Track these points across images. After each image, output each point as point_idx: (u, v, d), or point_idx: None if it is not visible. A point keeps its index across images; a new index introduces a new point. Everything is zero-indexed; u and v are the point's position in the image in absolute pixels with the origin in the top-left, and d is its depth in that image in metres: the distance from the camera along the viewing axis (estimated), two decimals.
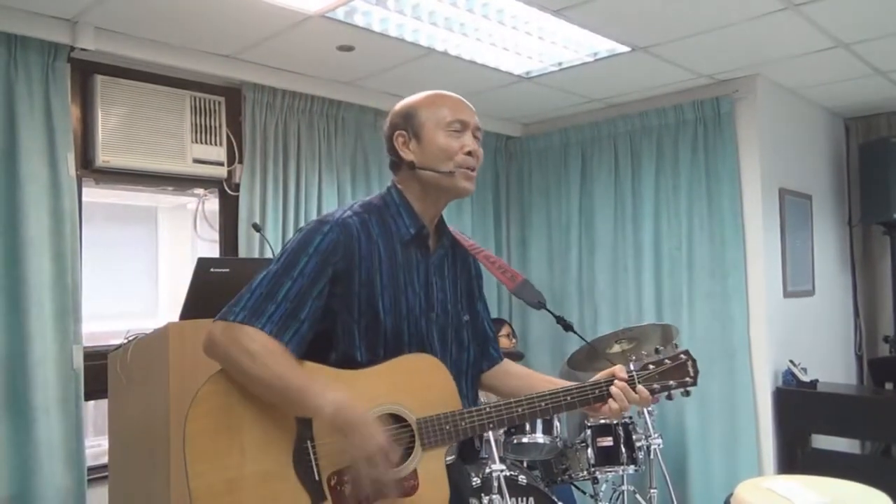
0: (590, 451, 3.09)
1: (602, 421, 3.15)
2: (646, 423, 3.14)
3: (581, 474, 3.13)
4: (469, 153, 1.54)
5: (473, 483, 2.84)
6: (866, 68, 3.52)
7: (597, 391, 1.49)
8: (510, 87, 3.75)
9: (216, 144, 3.25)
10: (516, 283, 1.67)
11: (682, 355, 1.56)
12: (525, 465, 3.23)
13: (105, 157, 2.90)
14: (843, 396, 3.59)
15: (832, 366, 4.14)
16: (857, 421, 3.46)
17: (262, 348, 1.34)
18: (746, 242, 3.64)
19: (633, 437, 3.13)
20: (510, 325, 4.00)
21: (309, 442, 1.37)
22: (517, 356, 3.30)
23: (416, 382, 1.44)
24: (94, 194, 3.25)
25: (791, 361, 3.64)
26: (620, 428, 3.13)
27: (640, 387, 1.51)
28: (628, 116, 4.03)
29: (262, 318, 1.36)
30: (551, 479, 3.25)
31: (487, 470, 2.74)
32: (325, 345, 1.45)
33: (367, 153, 3.83)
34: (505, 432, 3.05)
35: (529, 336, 4.43)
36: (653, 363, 1.54)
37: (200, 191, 3.46)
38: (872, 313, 4.46)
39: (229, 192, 3.37)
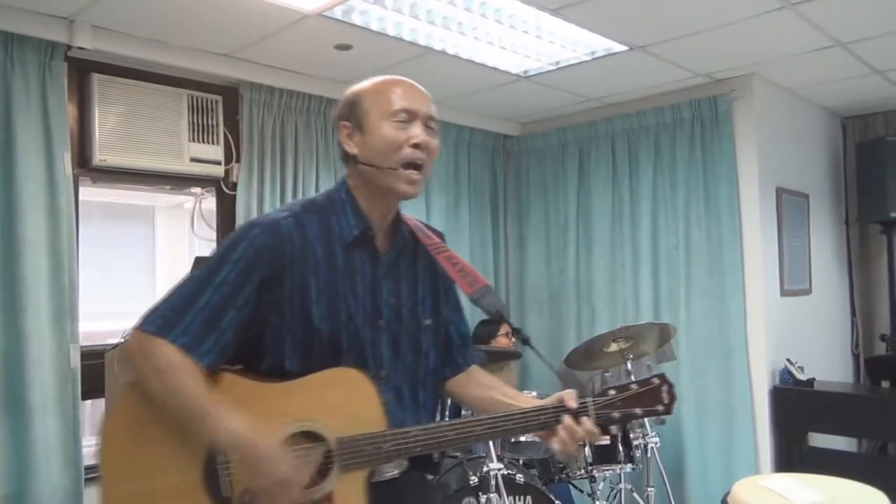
0: (587, 449, 3.09)
1: None
2: (643, 421, 3.14)
3: (578, 473, 3.13)
4: (416, 146, 1.38)
5: (471, 482, 2.85)
6: (864, 67, 3.53)
7: (541, 418, 1.36)
8: (508, 86, 3.75)
9: (213, 143, 3.24)
10: (475, 289, 1.50)
11: (654, 379, 1.40)
12: (522, 463, 3.23)
13: (102, 155, 2.89)
14: (840, 395, 3.60)
15: (829, 364, 4.15)
16: (853, 419, 3.46)
17: (166, 365, 1.26)
18: (744, 241, 3.64)
19: (631, 435, 3.13)
20: (510, 325, 3.98)
21: (219, 458, 1.29)
22: (514, 356, 3.30)
23: (340, 398, 1.33)
24: (91, 193, 3.25)
25: (788, 360, 3.64)
26: None
27: (584, 419, 1.35)
28: (626, 115, 4.03)
29: (175, 330, 1.28)
30: (549, 478, 3.25)
31: (485, 468, 2.75)
32: (258, 352, 1.37)
33: None
34: None
35: (527, 333, 4.42)
36: (615, 388, 1.39)
37: (198, 190, 3.46)
38: (869, 312, 4.47)
39: (226, 190, 3.36)
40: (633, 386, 1.39)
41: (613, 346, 3.15)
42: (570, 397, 1.37)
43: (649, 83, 3.76)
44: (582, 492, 3.40)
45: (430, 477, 1.55)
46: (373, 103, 1.40)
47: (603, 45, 3.17)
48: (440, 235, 1.58)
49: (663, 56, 3.32)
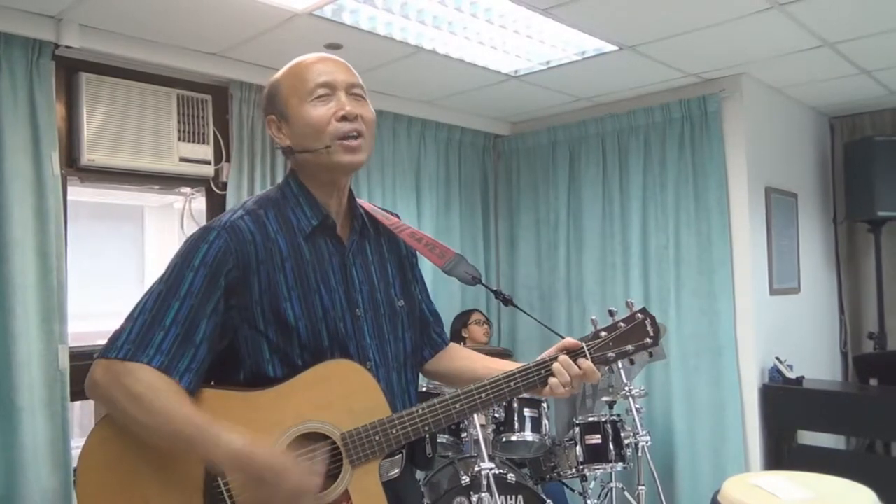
0: (578, 448, 3.10)
1: (590, 419, 3.16)
2: (634, 420, 3.15)
3: (570, 472, 3.14)
4: (344, 117, 1.30)
5: (462, 482, 2.85)
6: (851, 68, 3.55)
7: (542, 371, 1.35)
8: (498, 85, 3.76)
9: (203, 143, 3.23)
10: (447, 260, 1.47)
11: (637, 315, 1.41)
12: (514, 463, 3.24)
13: (90, 155, 2.87)
14: (829, 393, 3.62)
15: (818, 362, 4.18)
16: (842, 417, 3.49)
17: (146, 390, 1.17)
18: (733, 240, 3.66)
19: (622, 434, 3.15)
20: (481, 313, 3.96)
21: (220, 479, 1.22)
22: (505, 354, 3.30)
23: (336, 393, 1.27)
24: (80, 193, 3.22)
25: (777, 358, 3.66)
26: (609, 426, 3.15)
27: (581, 360, 1.35)
28: (616, 115, 4.04)
29: (148, 350, 1.19)
30: (540, 477, 3.27)
31: (476, 468, 2.75)
32: (233, 363, 1.29)
33: None
34: (494, 430, 3.06)
35: (518, 334, 4.44)
36: (605, 329, 1.40)
37: (187, 189, 3.44)
38: (857, 310, 4.50)
39: (216, 190, 3.35)
40: (621, 324, 1.40)
41: None
42: (572, 342, 1.39)
43: (639, 83, 3.77)
44: (573, 491, 3.42)
45: (418, 475, 1.53)
46: (290, 89, 1.35)
47: (593, 44, 3.18)
48: (396, 216, 1.54)
49: (653, 56, 3.34)
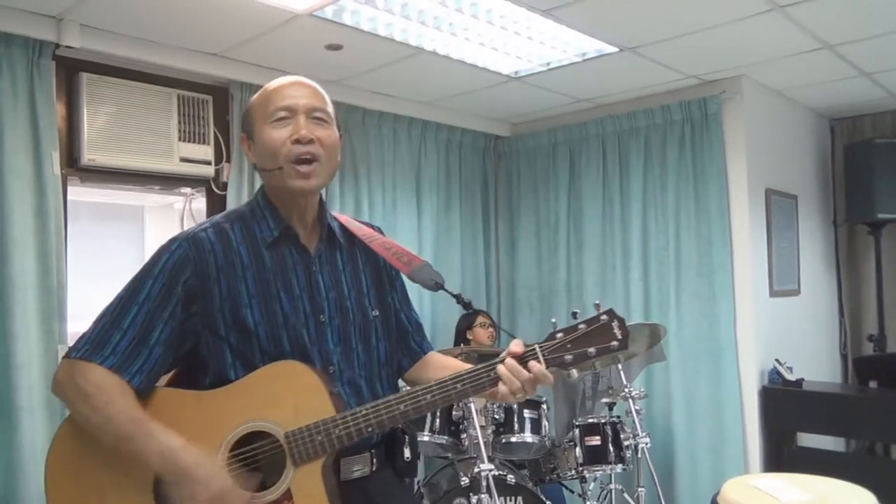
0: (578, 449, 3.10)
1: (590, 420, 3.16)
2: (633, 422, 3.15)
3: (569, 473, 3.14)
4: (297, 140, 1.34)
5: (462, 483, 2.85)
6: (851, 70, 3.55)
7: (492, 373, 1.30)
8: (499, 86, 3.76)
9: (203, 143, 3.23)
10: (412, 267, 1.47)
11: (603, 316, 1.31)
12: (514, 464, 3.23)
13: (91, 155, 2.87)
14: (829, 395, 3.62)
15: (817, 364, 4.18)
16: (842, 419, 3.48)
17: (95, 388, 1.25)
18: (733, 242, 3.66)
19: (621, 435, 3.14)
20: (487, 315, 3.95)
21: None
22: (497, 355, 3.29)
23: (281, 392, 1.30)
24: (80, 193, 3.22)
25: (777, 360, 3.66)
26: (608, 427, 3.14)
27: (532, 363, 1.29)
28: (616, 116, 4.04)
29: (104, 351, 1.27)
30: (540, 478, 3.26)
31: (476, 469, 2.75)
32: (200, 368, 1.35)
33: (356, 152, 3.82)
34: (493, 431, 3.05)
35: (518, 333, 4.40)
36: (562, 331, 1.32)
37: (188, 190, 3.44)
38: (857, 312, 4.50)
39: (217, 191, 3.35)
40: (582, 326, 1.31)
41: None
42: (516, 344, 1.33)
43: (640, 84, 3.77)
44: (573, 492, 3.41)
45: (407, 480, 1.50)
46: (257, 111, 1.41)
47: (594, 46, 3.18)
48: (377, 229, 1.57)
49: (653, 57, 3.34)
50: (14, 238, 2.63)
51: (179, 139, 3.14)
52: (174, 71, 3.15)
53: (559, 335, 1.32)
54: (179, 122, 3.14)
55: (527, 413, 3.08)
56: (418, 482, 3.31)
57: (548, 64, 3.43)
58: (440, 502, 2.90)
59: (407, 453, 1.45)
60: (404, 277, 1.55)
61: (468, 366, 1.47)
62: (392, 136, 4.02)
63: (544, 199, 4.40)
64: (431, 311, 4.03)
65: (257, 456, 1.29)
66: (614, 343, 1.29)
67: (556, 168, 4.34)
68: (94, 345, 1.28)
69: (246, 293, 1.34)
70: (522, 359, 1.31)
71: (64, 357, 1.31)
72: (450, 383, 1.31)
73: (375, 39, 3.01)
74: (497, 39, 3.10)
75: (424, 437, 2.97)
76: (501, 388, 1.30)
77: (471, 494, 2.77)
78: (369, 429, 1.29)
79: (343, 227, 1.51)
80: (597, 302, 1.37)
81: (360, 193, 3.82)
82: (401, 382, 1.59)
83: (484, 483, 2.69)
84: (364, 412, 1.29)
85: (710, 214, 3.69)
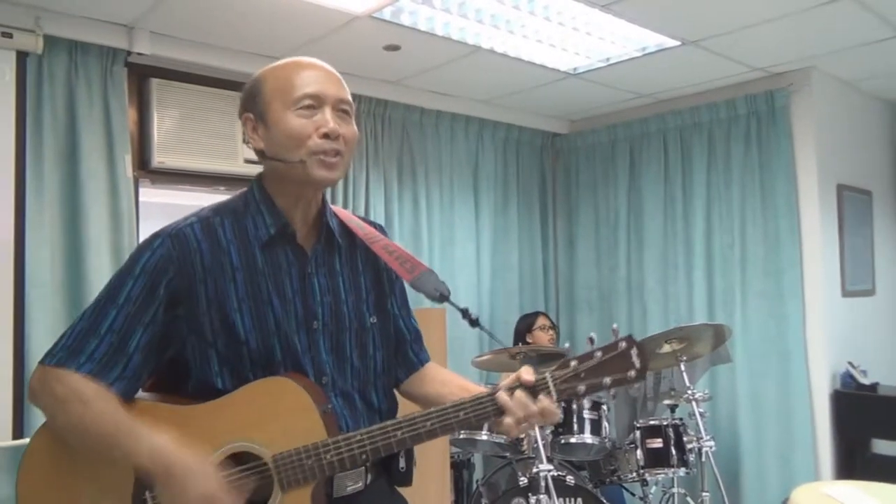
0: (639, 452, 3.04)
1: (651, 422, 3.10)
2: (697, 424, 3.07)
3: (630, 476, 3.08)
4: (326, 135, 1.23)
5: (520, 483, 2.84)
6: None
7: (498, 403, 1.21)
8: (557, 83, 3.72)
9: None
10: (415, 274, 1.35)
11: (621, 343, 1.22)
12: (573, 465, 3.20)
13: (160, 157, 2.98)
14: None
15: (893, 368, 4.00)
16: None
17: (72, 393, 1.16)
18: (802, 240, 3.54)
19: (684, 438, 3.07)
20: (547, 317, 3.91)
21: (148, 493, 1.18)
22: (560, 355, 3.27)
23: (272, 411, 1.20)
24: (150, 194, 3.34)
25: (850, 363, 3.53)
26: (671, 429, 3.08)
27: (542, 397, 1.20)
28: (678, 112, 3.96)
29: (80, 358, 1.17)
30: (599, 480, 3.22)
31: (535, 469, 2.73)
32: (182, 373, 1.25)
33: (414, 151, 3.85)
34: (552, 432, 3.03)
35: (577, 333, 4.39)
36: (577, 358, 1.22)
37: None
38: None
39: None
40: (598, 353, 1.22)
41: (666, 348, 3.08)
42: (527, 372, 1.23)
43: (702, 78, 3.68)
44: (633, 495, 3.36)
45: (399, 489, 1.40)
46: (274, 92, 1.27)
47: (654, 40, 3.12)
48: (379, 228, 1.45)
49: (716, 50, 3.25)
50: (90, 238, 2.75)
51: (243, 141, 3.22)
52: (238, 75, 3.22)
53: (573, 363, 1.22)
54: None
55: (587, 414, 3.04)
56: (477, 481, 3.31)
57: (607, 59, 3.38)
58: (499, 502, 2.90)
59: (402, 462, 1.35)
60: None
61: (467, 382, 1.41)
62: (450, 135, 4.03)
63: (603, 197, 4.34)
64: (490, 307, 4.02)
65: (241, 479, 1.19)
66: (632, 373, 1.20)
67: (615, 165, 4.28)
68: (70, 351, 1.18)
69: (235, 296, 1.22)
70: (533, 388, 1.21)
71: (39, 363, 1.20)
72: (451, 411, 1.21)
73: (433, 39, 3.03)
74: (555, 36, 3.07)
75: (483, 436, 2.97)
76: (506, 419, 1.21)
77: (529, 495, 2.75)
78: (363, 456, 1.19)
79: (343, 226, 1.38)
80: (615, 326, 1.30)
81: (419, 193, 3.85)
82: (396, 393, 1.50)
83: (543, 483, 2.68)
84: (358, 438, 1.19)
85: (778, 211, 3.58)
